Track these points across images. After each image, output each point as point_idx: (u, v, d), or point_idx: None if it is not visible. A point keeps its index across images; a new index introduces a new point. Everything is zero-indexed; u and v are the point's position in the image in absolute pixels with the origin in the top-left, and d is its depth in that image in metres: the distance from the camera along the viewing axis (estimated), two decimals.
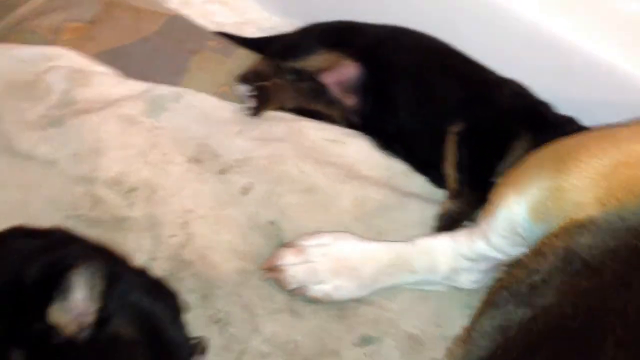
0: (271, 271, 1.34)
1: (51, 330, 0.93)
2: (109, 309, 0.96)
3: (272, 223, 1.43)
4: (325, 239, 1.34)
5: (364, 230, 1.42)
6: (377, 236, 1.42)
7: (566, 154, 1.09)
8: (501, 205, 1.19)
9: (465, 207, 1.42)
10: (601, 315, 0.76)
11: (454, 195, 1.45)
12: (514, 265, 1.06)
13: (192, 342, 1.20)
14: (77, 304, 0.93)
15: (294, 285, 1.32)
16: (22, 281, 0.99)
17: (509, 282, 1.01)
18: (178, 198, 1.45)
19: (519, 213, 1.14)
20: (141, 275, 1.16)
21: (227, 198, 1.46)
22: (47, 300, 0.93)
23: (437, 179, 1.52)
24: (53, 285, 0.93)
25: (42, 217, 1.39)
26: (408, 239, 1.37)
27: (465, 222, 1.42)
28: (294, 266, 1.31)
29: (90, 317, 0.94)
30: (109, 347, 0.95)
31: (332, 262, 1.32)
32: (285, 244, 1.36)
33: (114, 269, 1.05)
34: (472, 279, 1.34)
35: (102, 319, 0.95)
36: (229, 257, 1.39)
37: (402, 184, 1.53)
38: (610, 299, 0.78)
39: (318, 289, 1.32)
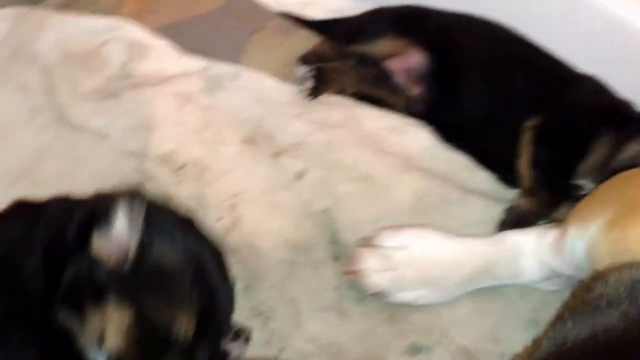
0: (351, 273, 1.26)
1: (94, 264, 0.92)
2: (152, 241, 0.94)
3: (325, 212, 1.36)
4: (406, 237, 1.25)
5: (421, 225, 1.34)
6: None
7: (633, 199, 1.02)
8: (565, 235, 1.12)
9: (539, 207, 1.33)
10: None
11: (528, 194, 1.35)
12: (578, 288, 0.99)
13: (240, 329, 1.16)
14: (118, 234, 0.93)
15: (375, 291, 1.25)
16: (64, 236, 0.97)
17: (573, 304, 0.95)
18: (228, 179, 1.39)
19: (578, 249, 1.07)
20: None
21: (280, 183, 1.40)
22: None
23: (505, 176, 1.43)
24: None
25: (88, 191, 1.36)
26: None
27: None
28: (377, 272, 1.23)
29: (132, 248, 0.93)
30: (152, 276, 0.93)
31: (417, 270, 1.23)
32: (362, 241, 1.27)
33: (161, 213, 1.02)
34: (552, 286, 1.26)
35: (145, 250, 0.93)
36: (277, 245, 1.33)
37: (464, 179, 1.44)
38: None
39: (400, 297, 1.25)
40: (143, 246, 0.94)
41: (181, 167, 1.40)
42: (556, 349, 0.86)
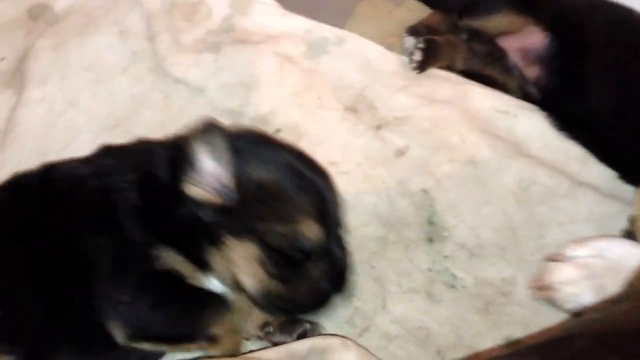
0: (542, 289, 1.17)
1: (197, 207, 0.95)
2: (244, 168, 0.95)
3: (424, 192, 1.29)
4: (600, 245, 1.15)
5: (525, 217, 1.26)
6: (537, 227, 1.25)
7: None
8: None
9: None
10: None
11: None
12: None
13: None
14: (208, 173, 0.94)
15: (574, 305, 1.14)
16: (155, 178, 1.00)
17: None
18: (326, 147, 1.33)
19: None
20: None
21: (379, 157, 1.33)
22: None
23: (628, 174, 1.31)
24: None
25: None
26: (571, 234, 1.21)
27: None
28: (575, 283, 1.13)
29: (227, 181, 0.94)
30: (258, 201, 0.95)
31: (615, 277, 1.10)
32: (549, 257, 1.18)
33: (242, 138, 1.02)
34: None
35: (241, 179, 0.95)
36: (369, 221, 1.26)
37: (576, 172, 1.33)
38: None
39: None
40: (237, 176, 0.95)
41: (278, 130, 1.35)
42: None
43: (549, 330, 1.12)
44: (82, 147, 1.30)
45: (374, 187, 1.29)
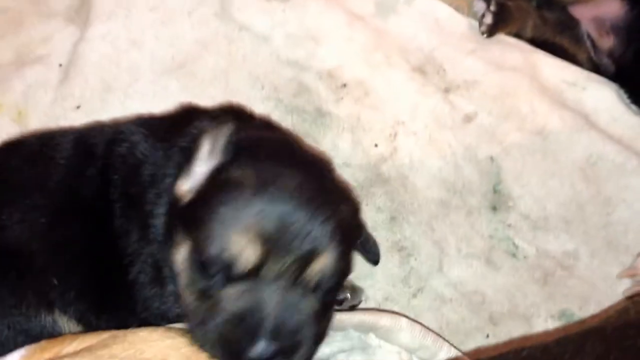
0: (634, 277, 1.17)
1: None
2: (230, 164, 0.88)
3: (491, 159, 1.27)
4: None
5: (592, 194, 1.24)
6: (604, 204, 1.23)
7: None
8: None
9: None
10: None
11: None
12: None
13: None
14: (197, 176, 0.90)
15: None
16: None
17: None
18: (392, 106, 1.31)
19: None
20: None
21: (448, 121, 1.30)
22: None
23: None
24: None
25: (241, 91, 1.31)
26: (638, 213, 1.20)
27: None
28: None
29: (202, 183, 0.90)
30: (213, 207, 0.84)
31: None
32: None
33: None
34: None
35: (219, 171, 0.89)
36: (433, 184, 1.25)
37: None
38: None
39: None
40: (211, 174, 0.89)
41: (343, 85, 1.32)
42: None
43: (605, 311, 1.12)
44: (144, 87, 1.29)
45: (440, 151, 1.28)
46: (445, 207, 1.23)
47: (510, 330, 1.15)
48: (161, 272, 0.94)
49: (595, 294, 1.17)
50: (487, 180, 1.25)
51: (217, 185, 0.86)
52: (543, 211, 1.23)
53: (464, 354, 0.95)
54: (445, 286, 1.18)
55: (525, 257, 1.20)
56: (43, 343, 0.82)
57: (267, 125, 1.14)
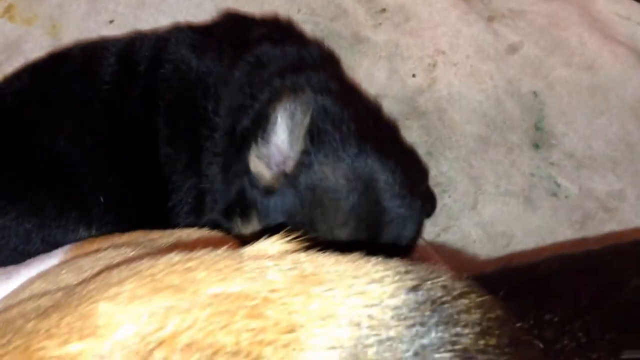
0: None
1: (252, 178, 0.85)
2: (315, 156, 0.82)
3: (535, 94, 1.20)
4: None
5: None
6: None
7: None
8: None
9: None
10: None
11: None
12: None
13: None
14: (275, 149, 0.83)
15: None
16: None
17: None
18: (432, 34, 1.24)
19: None
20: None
21: (490, 51, 1.24)
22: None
23: None
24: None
25: (277, 7, 1.26)
26: None
27: None
28: None
29: (290, 163, 0.83)
30: (308, 193, 0.81)
31: None
32: None
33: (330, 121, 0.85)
34: None
35: (304, 165, 0.82)
36: (472, 119, 1.19)
37: None
38: None
39: None
40: (302, 163, 0.82)
41: (383, 10, 1.26)
42: None
43: None
44: (177, 3, 1.26)
45: (482, 84, 1.21)
46: (485, 143, 1.18)
47: None
48: (202, 204, 0.92)
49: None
50: (530, 117, 1.19)
51: (308, 187, 0.82)
52: (589, 150, 1.17)
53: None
54: (473, 226, 1.13)
55: (567, 196, 1.14)
56: (81, 243, 0.83)
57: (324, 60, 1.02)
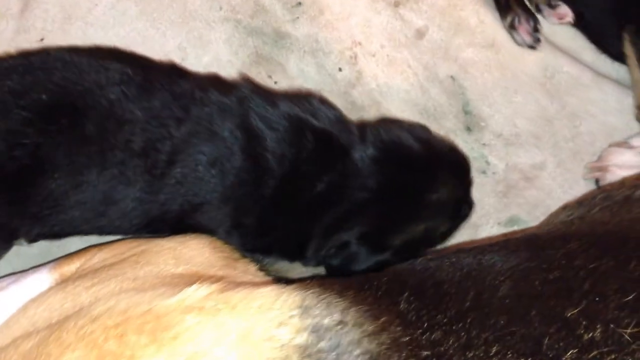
0: (597, 170, 1.19)
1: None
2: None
3: (453, 79, 1.27)
4: None
5: (558, 108, 1.28)
6: (571, 118, 1.27)
7: None
8: None
9: None
10: None
11: None
12: (630, 177, 1.01)
13: None
14: None
15: None
16: None
17: (612, 187, 0.97)
18: (346, 25, 1.27)
19: None
20: None
21: (401, 38, 1.28)
22: None
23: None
24: None
25: (199, 13, 1.24)
26: (604, 126, 1.26)
27: None
28: (630, 169, 1.15)
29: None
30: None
31: None
32: (614, 143, 1.21)
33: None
34: None
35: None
36: (406, 108, 1.24)
37: (590, 61, 1.36)
38: None
39: None
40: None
41: (298, 4, 1.26)
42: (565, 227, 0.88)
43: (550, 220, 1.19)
44: (103, 13, 1.28)
45: (402, 73, 1.26)
46: None
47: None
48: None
49: (547, 200, 1.22)
50: (456, 101, 1.25)
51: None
52: (514, 128, 1.25)
53: None
54: None
55: (494, 173, 1.22)
56: (68, 256, 0.87)
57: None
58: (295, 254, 0.98)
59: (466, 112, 1.26)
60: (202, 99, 0.92)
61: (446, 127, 1.24)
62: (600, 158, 1.20)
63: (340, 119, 0.96)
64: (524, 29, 1.30)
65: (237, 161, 0.91)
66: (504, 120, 1.26)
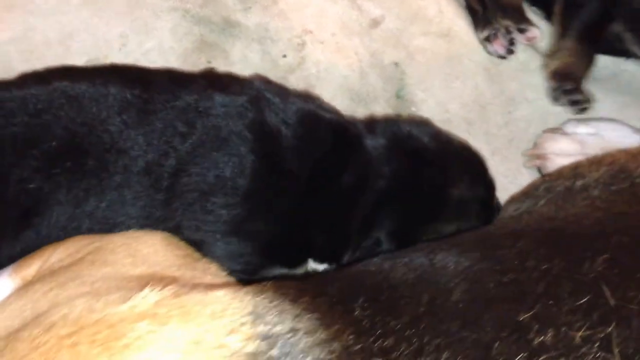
0: (536, 157, 1.21)
1: None
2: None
3: (396, 65, 1.30)
4: (600, 126, 1.20)
5: (496, 93, 1.31)
6: (506, 103, 1.31)
7: None
8: None
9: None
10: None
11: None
12: (567, 166, 1.01)
13: None
14: None
15: None
16: None
17: (552, 177, 0.98)
18: (300, 15, 1.29)
19: None
20: None
21: (355, 27, 1.31)
22: None
23: None
24: None
25: (146, 2, 1.25)
26: (538, 111, 1.29)
27: None
28: (566, 157, 1.14)
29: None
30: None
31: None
32: (549, 129, 1.22)
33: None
34: None
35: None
36: (338, 93, 1.26)
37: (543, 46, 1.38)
38: None
39: None
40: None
41: None
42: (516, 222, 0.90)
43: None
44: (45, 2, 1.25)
45: (347, 59, 1.29)
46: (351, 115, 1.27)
47: None
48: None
49: None
50: (391, 87, 1.28)
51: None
52: (446, 113, 1.28)
53: None
54: None
55: None
56: (26, 258, 0.86)
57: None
58: (330, 257, 0.98)
59: (398, 97, 1.29)
60: (208, 110, 0.91)
61: (374, 111, 1.25)
62: (536, 145, 1.22)
63: (342, 114, 1.00)
64: (499, 43, 1.33)
65: (251, 165, 0.90)
66: (436, 106, 1.29)
